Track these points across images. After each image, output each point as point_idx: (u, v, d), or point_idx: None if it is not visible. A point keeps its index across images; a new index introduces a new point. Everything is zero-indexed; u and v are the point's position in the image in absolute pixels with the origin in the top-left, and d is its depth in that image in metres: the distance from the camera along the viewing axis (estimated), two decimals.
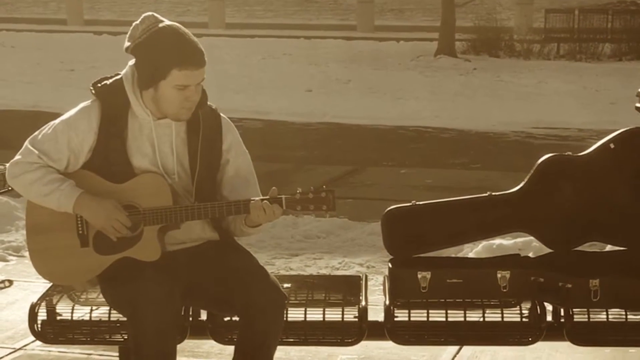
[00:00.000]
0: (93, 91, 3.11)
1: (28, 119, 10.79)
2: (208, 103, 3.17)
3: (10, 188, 4.60)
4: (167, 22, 3.05)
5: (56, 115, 3.19)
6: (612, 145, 3.58)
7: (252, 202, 3.01)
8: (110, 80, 3.11)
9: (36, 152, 3.06)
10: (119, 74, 3.12)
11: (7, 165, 3.12)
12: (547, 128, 10.81)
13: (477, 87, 14.11)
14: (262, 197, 3.04)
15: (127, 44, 3.05)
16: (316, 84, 14.21)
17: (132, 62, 3.09)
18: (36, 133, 3.11)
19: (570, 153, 3.64)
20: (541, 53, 17.71)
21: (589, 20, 18.23)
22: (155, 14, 3.06)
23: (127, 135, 3.07)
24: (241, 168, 3.20)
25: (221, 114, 3.22)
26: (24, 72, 15.07)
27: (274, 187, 3.06)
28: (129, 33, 3.05)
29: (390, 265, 3.48)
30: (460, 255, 4.91)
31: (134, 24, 3.06)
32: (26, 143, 3.10)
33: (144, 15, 3.06)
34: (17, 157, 3.10)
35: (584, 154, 3.62)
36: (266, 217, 3.03)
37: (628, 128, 3.64)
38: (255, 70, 15.40)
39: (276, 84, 14.05)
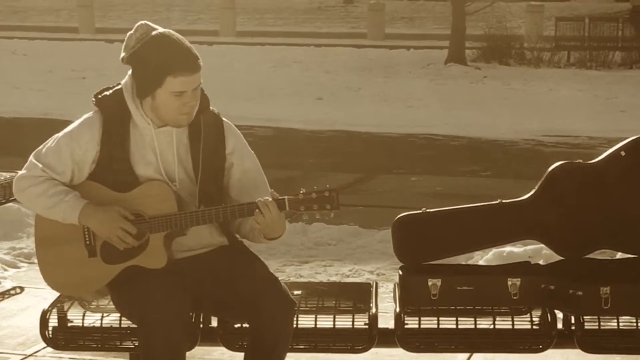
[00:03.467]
0: (94, 102, 3.14)
1: (40, 126, 10.84)
2: (210, 108, 3.18)
3: None
4: (160, 29, 3.06)
5: (67, 123, 3.21)
6: (623, 153, 3.58)
7: (255, 203, 2.98)
8: (111, 91, 3.13)
9: (40, 165, 3.08)
10: (120, 84, 3.14)
11: (14, 179, 3.15)
12: (558, 136, 10.79)
13: (488, 95, 14.10)
14: (264, 198, 3.00)
15: (122, 54, 3.07)
16: (327, 91, 14.23)
17: (131, 71, 3.11)
18: (40, 147, 3.14)
19: (580, 161, 3.64)
20: (551, 61, 17.68)
21: (599, 29, 18.20)
22: (149, 23, 3.07)
23: (130, 145, 3.09)
24: (248, 170, 3.20)
25: (223, 118, 3.21)
26: (35, 80, 15.14)
27: (271, 190, 3.06)
28: (124, 43, 3.07)
29: (400, 273, 3.48)
30: (470, 262, 4.91)
31: (128, 33, 3.08)
32: (31, 157, 3.13)
33: (137, 24, 3.08)
34: (23, 171, 3.13)
35: (595, 162, 3.61)
36: (272, 217, 2.97)
37: (639, 136, 3.63)
38: (265, 78, 15.42)
39: (287, 92, 14.07)
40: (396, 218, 3.57)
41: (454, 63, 16.96)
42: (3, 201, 4.66)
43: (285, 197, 3.01)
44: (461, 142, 10.60)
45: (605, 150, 3.65)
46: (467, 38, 17.60)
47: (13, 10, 29.68)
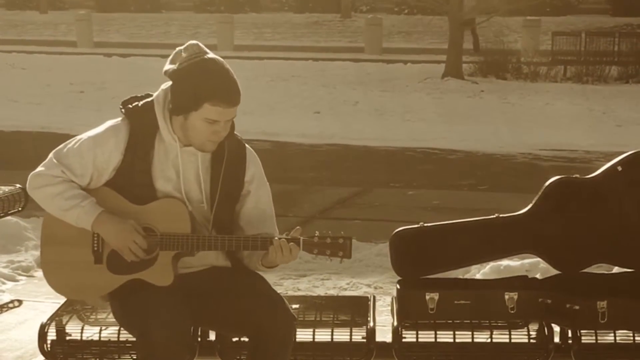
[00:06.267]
0: (123, 111, 3.11)
1: (38, 140, 10.85)
2: (235, 133, 3.17)
3: (20, 209, 4.65)
4: (212, 54, 3.06)
5: (66, 137, 3.20)
6: (619, 168, 3.60)
7: (271, 240, 3.02)
8: (142, 102, 3.11)
9: (60, 165, 3.06)
10: (151, 95, 3.13)
11: (30, 175, 3.10)
12: (554, 150, 10.81)
13: (485, 109, 14.13)
14: (281, 237, 3.04)
15: (168, 66, 3.05)
16: (324, 105, 14.26)
17: (165, 85, 3.09)
18: (61, 146, 3.11)
19: (577, 175, 3.65)
20: (548, 75, 17.73)
21: (595, 43, 18.26)
22: (200, 44, 3.05)
23: (153, 159, 3.08)
24: (260, 201, 3.20)
25: (246, 145, 3.22)
26: (34, 94, 15.16)
27: (297, 227, 3.07)
28: (171, 57, 3.06)
29: (398, 286, 3.49)
30: (467, 276, 4.92)
31: (177, 49, 3.06)
32: (50, 155, 3.10)
33: (188, 43, 3.06)
34: (40, 168, 3.09)
35: (592, 177, 3.63)
36: (283, 259, 3.04)
37: (635, 151, 3.65)
38: (263, 91, 15.44)
39: (285, 106, 14.10)
40: (394, 232, 3.58)
41: (451, 77, 17.00)
42: (2, 214, 4.66)
43: (301, 237, 3.03)
44: (458, 155, 10.62)
45: (602, 165, 3.67)
46: (464, 52, 17.66)
47: (12, 24, 29.73)
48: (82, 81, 16.62)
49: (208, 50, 3.07)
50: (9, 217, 5.15)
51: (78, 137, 3.12)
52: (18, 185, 4.49)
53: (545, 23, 22.79)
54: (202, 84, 2.98)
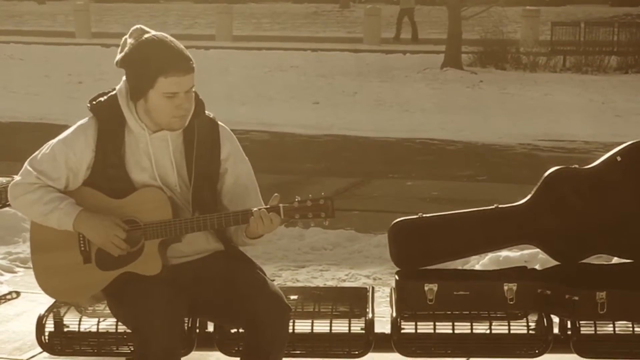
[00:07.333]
0: (89, 108, 3.13)
1: (36, 131, 10.84)
2: (206, 112, 3.17)
3: None
4: (152, 32, 3.06)
5: (64, 127, 3.21)
6: (618, 158, 3.59)
7: (251, 211, 3.00)
8: (106, 97, 3.13)
9: (35, 172, 3.08)
10: (115, 90, 3.14)
11: (9, 186, 3.14)
12: (554, 140, 10.81)
13: (484, 99, 14.11)
14: (260, 207, 3.02)
15: (117, 57, 3.07)
16: (323, 96, 14.24)
17: (125, 77, 3.11)
18: (36, 153, 3.13)
19: (577, 166, 3.64)
20: (547, 65, 17.71)
21: (595, 33, 18.24)
22: (143, 27, 3.07)
23: (125, 151, 3.08)
24: (240, 176, 3.20)
25: (219, 122, 3.21)
26: (32, 84, 15.14)
27: (275, 194, 3.05)
28: (120, 46, 3.07)
29: (397, 277, 3.49)
30: (466, 267, 4.91)
31: (123, 37, 3.08)
32: (25, 164, 3.13)
33: (132, 28, 3.08)
34: (17, 178, 3.13)
35: (591, 167, 3.62)
36: (265, 227, 3.02)
37: (635, 141, 3.64)
38: (262, 82, 15.42)
39: (283, 96, 14.08)
40: (393, 223, 3.57)
41: (450, 67, 16.98)
42: None
43: (280, 205, 3.01)
44: (457, 146, 10.61)
45: (601, 155, 3.66)
46: (463, 42, 17.62)
47: (9, 14, 29.68)
48: (80, 72, 16.61)
49: (150, 30, 3.07)
50: (6, 209, 5.13)
51: (50, 142, 3.14)
52: (15, 176, 4.47)
53: (545, 13, 22.76)
54: (150, 60, 2.98)
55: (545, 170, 3.62)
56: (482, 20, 19.55)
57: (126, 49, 3.04)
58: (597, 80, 16.18)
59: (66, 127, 3.20)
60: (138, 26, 3.08)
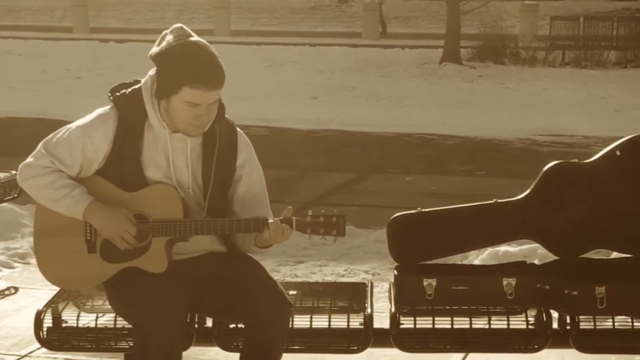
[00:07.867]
0: (111, 98, 3.09)
1: (34, 126, 10.82)
2: (225, 116, 3.14)
3: (15, 195, 4.64)
4: (196, 37, 3.02)
5: (62, 122, 3.18)
6: (618, 153, 3.58)
7: (267, 222, 3.00)
8: (130, 90, 3.08)
9: (49, 156, 3.03)
10: (139, 82, 3.10)
11: (19, 166, 3.08)
12: (553, 135, 10.81)
13: (482, 94, 14.11)
14: (275, 219, 3.03)
15: (153, 49, 3.03)
16: (322, 91, 14.23)
17: (152, 71, 3.06)
18: (50, 136, 3.08)
19: (576, 160, 3.64)
20: (546, 60, 17.70)
21: (594, 28, 18.23)
22: (185, 27, 3.02)
23: (143, 146, 3.05)
24: (254, 185, 3.18)
25: (238, 129, 3.18)
26: (30, 80, 15.11)
27: (289, 207, 3.06)
28: (158, 40, 3.03)
29: (395, 273, 3.48)
30: (465, 262, 4.91)
31: (164, 32, 3.04)
32: (40, 146, 3.08)
33: (174, 26, 3.03)
34: (30, 159, 3.07)
35: (590, 161, 3.62)
36: (276, 239, 3.03)
37: (634, 135, 3.64)
38: (260, 77, 15.41)
39: (282, 91, 14.07)
40: (391, 218, 3.57)
41: (449, 62, 16.96)
42: None
43: (294, 218, 3.02)
44: (456, 141, 10.61)
45: (600, 150, 3.65)
46: (462, 37, 17.60)
47: (7, 9, 29.62)
48: (79, 67, 16.59)
49: (193, 33, 3.04)
50: (4, 204, 5.14)
51: (67, 127, 3.09)
52: (14, 172, 4.47)
53: (543, 8, 22.74)
54: (181, 67, 2.95)
55: (544, 165, 3.61)
56: (481, 15, 19.53)
57: (164, 44, 3.00)
58: (596, 75, 16.18)
59: (64, 122, 3.18)
60: (180, 25, 3.03)
